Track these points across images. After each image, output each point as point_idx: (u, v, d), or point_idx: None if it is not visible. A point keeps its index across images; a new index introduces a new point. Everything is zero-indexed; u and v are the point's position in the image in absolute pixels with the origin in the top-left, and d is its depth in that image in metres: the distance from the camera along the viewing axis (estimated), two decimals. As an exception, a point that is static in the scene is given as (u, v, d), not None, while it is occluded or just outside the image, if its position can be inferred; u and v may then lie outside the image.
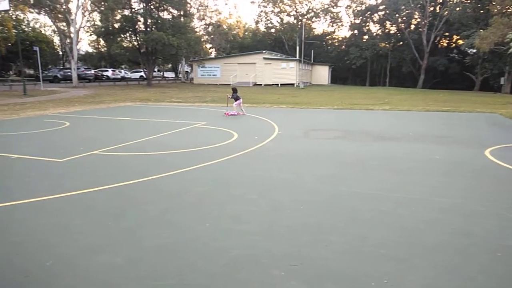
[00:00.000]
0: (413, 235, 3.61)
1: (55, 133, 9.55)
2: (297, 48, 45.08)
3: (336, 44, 64.32)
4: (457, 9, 42.54)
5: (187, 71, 57.18)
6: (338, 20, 62.44)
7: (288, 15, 61.69)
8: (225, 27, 54.86)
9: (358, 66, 53.76)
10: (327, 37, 64.52)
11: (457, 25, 40.99)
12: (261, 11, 62.11)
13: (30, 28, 51.92)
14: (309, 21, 61.77)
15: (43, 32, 54.22)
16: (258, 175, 5.70)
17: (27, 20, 51.44)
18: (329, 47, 63.49)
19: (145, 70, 41.45)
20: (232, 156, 6.92)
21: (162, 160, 6.79)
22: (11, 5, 23.46)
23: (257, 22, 64.71)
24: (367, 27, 57.72)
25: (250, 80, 40.93)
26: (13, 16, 43.33)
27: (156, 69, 55.59)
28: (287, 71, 40.95)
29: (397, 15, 50.96)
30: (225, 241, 3.47)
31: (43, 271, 2.93)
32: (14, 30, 40.03)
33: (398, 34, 53.86)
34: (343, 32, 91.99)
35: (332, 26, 63.64)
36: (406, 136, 9.28)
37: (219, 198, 4.67)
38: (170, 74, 66.04)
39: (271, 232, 3.69)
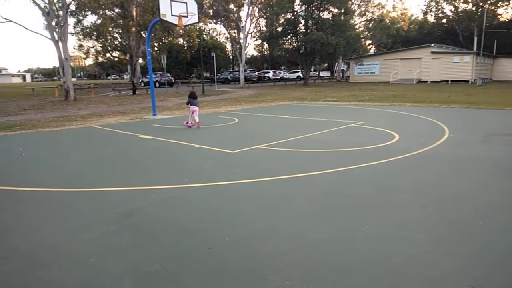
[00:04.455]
0: None
1: (227, 128, 10.88)
2: (475, 39, 38.92)
3: (529, 31, 52.60)
4: None
5: (343, 70, 56.56)
6: (535, 2, 50.87)
7: (465, 2, 53.66)
8: (387, 21, 51.88)
9: (561, 57, 42.70)
10: (517, 24, 53.39)
11: None
12: (431, 1, 56.01)
13: (208, 37, 60.48)
14: (493, 7, 52.32)
15: (218, 39, 62.37)
16: (426, 181, 5.18)
17: (207, 30, 60.05)
18: (518, 36, 52.43)
19: (302, 70, 42.97)
20: (393, 158, 6.50)
21: (319, 157, 6.90)
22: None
23: (425, 13, 58.71)
24: None
25: (414, 77, 37.58)
26: (197, 27, 51.19)
27: (312, 69, 56.90)
28: (460, 65, 35.88)
29: None
30: (388, 246, 3.29)
31: (222, 246, 3.38)
32: (197, 39, 47.31)
33: None
34: (541, 15, 74.44)
35: (525, 9, 52.32)
36: None
37: (380, 201, 4.45)
38: (325, 73, 66.61)
39: (442, 245, 3.30)
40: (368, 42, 52.06)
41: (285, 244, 3.39)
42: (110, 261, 3.16)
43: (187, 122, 11.05)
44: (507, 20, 53.27)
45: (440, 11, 56.33)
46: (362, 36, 42.58)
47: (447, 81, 35.88)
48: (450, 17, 55.36)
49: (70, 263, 3.14)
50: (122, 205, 4.48)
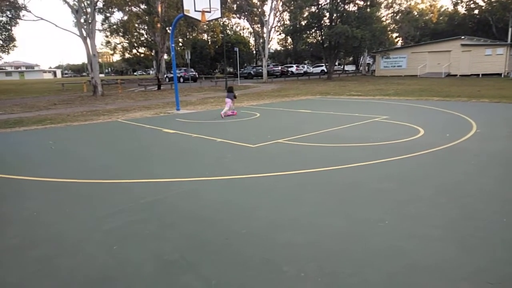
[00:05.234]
0: None
1: (249, 122, 10.95)
2: (510, 30, 37.17)
3: None
4: None
5: (368, 63, 55.41)
6: None
7: (499, -9, 51.22)
8: (415, 13, 50.29)
9: None
10: (556, 13, 50.48)
11: None
12: (462, -9, 53.75)
13: (232, 32, 60.54)
14: (530, -5, 49.67)
15: (241, 34, 62.33)
16: (450, 177, 5.06)
17: (231, 25, 60.13)
18: (558, 26, 49.59)
19: (326, 64, 42.41)
20: (416, 153, 6.37)
21: (340, 152, 6.85)
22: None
23: (455, 4, 56.47)
24: None
25: (443, 70, 36.36)
26: (220, 22, 51.31)
27: (336, 63, 56.03)
28: (492, 58, 34.38)
29: None
30: (405, 241, 3.26)
31: (239, 237, 3.45)
32: (221, 35, 47.50)
33: None
34: None
35: None
36: None
37: (400, 196, 4.39)
38: (350, 67, 65.46)
39: (460, 241, 3.24)
40: (395, 34, 50.67)
41: (302, 236, 3.42)
42: (132, 249, 3.29)
43: (229, 112, 12.34)
44: (545, 10, 50.45)
45: (472, 2, 54.03)
46: (388, 28, 41.53)
47: (478, 74, 34.52)
48: (483, 7, 52.96)
49: (93, 251, 3.29)
50: (145, 196, 4.64)
